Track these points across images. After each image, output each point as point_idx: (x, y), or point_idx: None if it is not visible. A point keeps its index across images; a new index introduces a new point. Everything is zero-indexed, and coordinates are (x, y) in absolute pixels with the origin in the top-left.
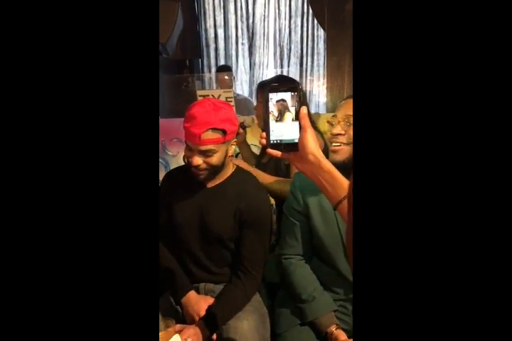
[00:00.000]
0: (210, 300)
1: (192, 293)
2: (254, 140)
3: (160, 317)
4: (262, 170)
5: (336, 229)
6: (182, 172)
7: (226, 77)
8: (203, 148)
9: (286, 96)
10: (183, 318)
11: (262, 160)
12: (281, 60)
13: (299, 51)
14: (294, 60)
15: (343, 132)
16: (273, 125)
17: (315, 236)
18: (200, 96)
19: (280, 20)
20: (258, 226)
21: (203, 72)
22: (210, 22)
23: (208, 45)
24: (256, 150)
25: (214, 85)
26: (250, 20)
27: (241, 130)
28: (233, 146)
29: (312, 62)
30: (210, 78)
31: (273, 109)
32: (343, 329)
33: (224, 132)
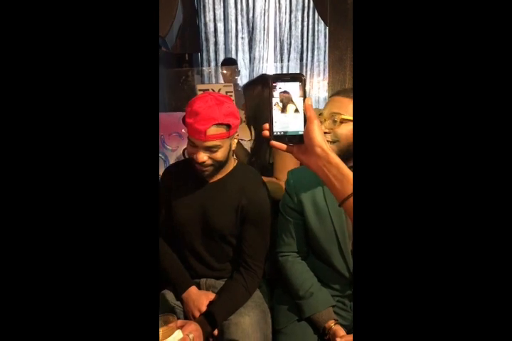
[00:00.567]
0: (211, 296)
1: (193, 289)
2: (242, 136)
3: (161, 312)
4: None
5: (330, 226)
6: (181, 168)
7: (230, 71)
8: (209, 144)
9: (290, 86)
10: (184, 314)
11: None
12: (282, 54)
13: (299, 46)
14: (294, 55)
15: (327, 130)
16: (276, 116)
17: (310, 234)
18: (200, 90)
19: (280, 14)
20: (259, 222)
21: (202, 66)
22: (209, 16)
23: (207, 39)
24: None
25: (213, 79)
26: (250, 14)
27: None
28: (235, 140)
29: (312, 57)
30: (210, 72)
31: (277, 100)
32: (342, 325)
33: (228, 126)
